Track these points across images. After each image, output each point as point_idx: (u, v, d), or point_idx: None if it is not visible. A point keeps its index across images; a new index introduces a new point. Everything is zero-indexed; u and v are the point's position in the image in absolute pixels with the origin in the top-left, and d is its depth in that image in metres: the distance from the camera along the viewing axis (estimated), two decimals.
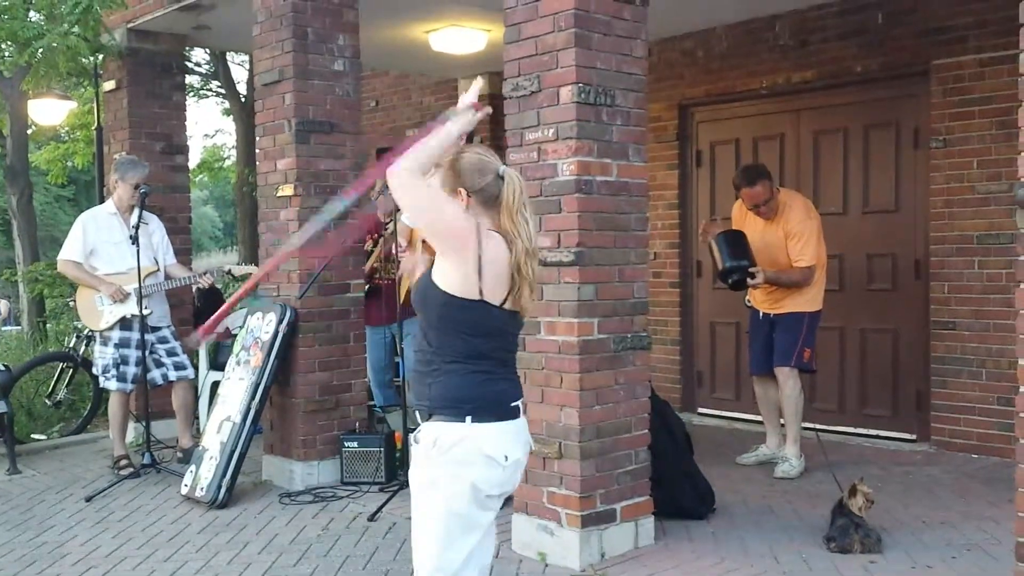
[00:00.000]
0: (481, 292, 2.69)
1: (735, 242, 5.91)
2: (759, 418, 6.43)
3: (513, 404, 2.81)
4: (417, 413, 2.85)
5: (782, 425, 6.06)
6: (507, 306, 2.74)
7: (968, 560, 4.31)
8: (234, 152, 17.92)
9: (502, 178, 2.73)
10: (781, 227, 5.86)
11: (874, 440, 6.69)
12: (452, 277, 2.69)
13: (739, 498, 5.37)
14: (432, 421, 2.77)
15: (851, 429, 6.85)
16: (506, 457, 2.74)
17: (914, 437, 6.58)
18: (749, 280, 5.79)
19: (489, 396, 2.76)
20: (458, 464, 2.72)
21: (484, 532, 2.80)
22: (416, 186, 2.66)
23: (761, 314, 6.07)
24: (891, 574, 4.14)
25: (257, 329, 5.91)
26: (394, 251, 5.69)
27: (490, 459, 2.72)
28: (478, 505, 2.75)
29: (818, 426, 6.03)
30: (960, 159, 6.23)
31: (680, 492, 4.95)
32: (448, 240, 2.68)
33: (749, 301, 6.18)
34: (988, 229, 6.11)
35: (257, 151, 6.40)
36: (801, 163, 7.13)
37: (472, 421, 2.72)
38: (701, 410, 7.80)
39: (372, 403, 6.66)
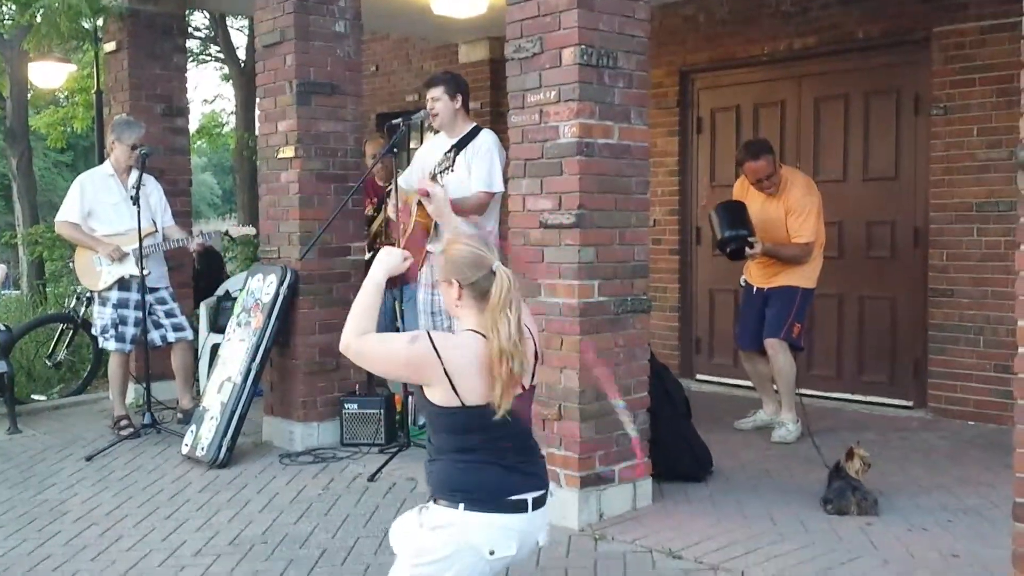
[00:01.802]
0: (460, 399, 2.72)
1: (734, 212, 5.92)
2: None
3: (514, 497, 2.78)
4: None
5: (777, 391, 6.09)
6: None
7: (964, 523, 4.35)
8: (233, 118, 17.86)
9: (494, 273, 2.74)
10: (782, 203, 5.86)
11: (871, 407, 6.73)
12: (434, 393, 2.73)
13: (736, 462, 5.40)
14: (431, 502, 2.83)
15: (848, 396, 6.89)
16: (492, 552, 2.76)
17: (911, 404, 6.62)
18: (747, 250, 5.80)
19: (482, 485, 2.77)
20: (443, 545, 2.76)
21: None
22: (364, 351, 2.79)
23: (755, 289, 6.07)
24: (887, 536, 4.17)
25: (258, 291, 5.92)
26: (394, 216, 5.69)
27: (474, 550, 2.75)
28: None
29: (814, 392, 6.06)
30: (960, 126, 6.22)
31: (678, 455, 4.98)
32: (414, 373, 2.74)
33: (744, 280, 6.19)
34: (988, 197, 6.11)
35: (258, 113, 6.39)
36: (802, 130, 7.12)
37: (465, 509, 2.75)
38: (699, 377, 7.83)
39: None
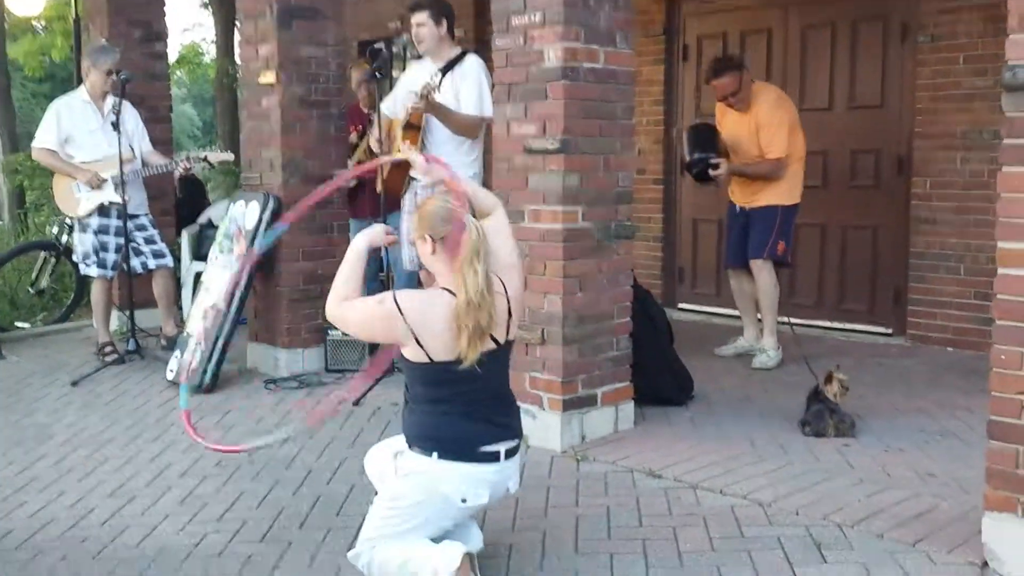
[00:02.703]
0: (429, 356, 2.83)
1: (701, 135, 5.97)
2: (738, 313, 6.50)
3: (485, 449, 2.89)
4: None
5: (759, 318, 6.14)
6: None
7: (940, 445, 4.43)
8: (212, 48, 17.59)
9: (464, 227, 2.82)
10: (752, 119, 5.85)
11: (851, 334, 6.80)
12: (407, 351, 2.87)
13: (717, 387, 5.46)
14: (407, 451, 2.98)
15: (829, 324, 6.95)
16: (464, 500, 2.88)
17: (891, 331, 6.69)
18: (711, 171, 5.81)
19: (455, 436, 2.88)
20: (415, 489, 2.90)
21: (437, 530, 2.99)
22: (345, 317, 2.94)
23: (738, 208, 6.10)
24: (864, 456, 4.25)
25: (240, 217, 5.89)
26: (376, 144, 5.65)
27: (445, 498, 2.87)
28: (426, 524, 2.93)
29: (795, 320, 6.11)
30: (947, 54, 6.20)
31: (660, 379, 5.03)
32: (386, 334, 2.88)
33: (730, 199, 6.21)
34: (972, 125, 6.11)
35: (238, 37, 6.30)
36: (788, 58, 7.07)
37: (438, 457, 2.87)
38: (681, 306, 7.87)
39: None
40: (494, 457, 2.92)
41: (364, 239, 3.05)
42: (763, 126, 5.80)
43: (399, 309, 2.81)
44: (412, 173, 5.57)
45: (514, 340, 3.03)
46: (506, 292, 2.94)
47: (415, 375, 2.95)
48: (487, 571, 3.16)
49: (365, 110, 6.63)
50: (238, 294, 5.68)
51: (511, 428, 3.01)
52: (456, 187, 3.04)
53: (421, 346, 2.82)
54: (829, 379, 4.62)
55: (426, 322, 2.81)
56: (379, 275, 6.91)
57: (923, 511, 3.61)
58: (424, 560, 2.90)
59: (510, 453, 2.96)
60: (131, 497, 4.00)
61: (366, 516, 3.09)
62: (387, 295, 2.87)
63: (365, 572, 3.02)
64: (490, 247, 2.88)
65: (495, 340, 2.89)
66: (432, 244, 2.88)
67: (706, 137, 5.92)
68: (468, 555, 2.93)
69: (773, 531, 3.48)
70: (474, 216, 2.95)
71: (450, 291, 2.84)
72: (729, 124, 5.97)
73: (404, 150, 5.15)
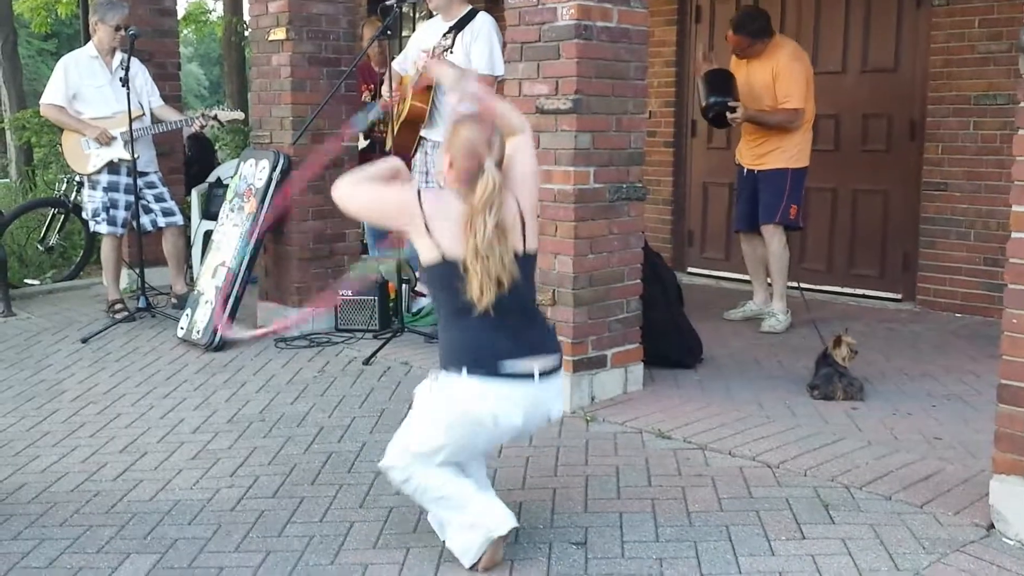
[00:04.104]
0: (440, 250, 2.82)
1: (719, 79, 5.92)
2: (747, 277, 6.50)
3: (515, 365, 2.84)
4: None
5: (769, 283, 6.13)
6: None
7: (948, 409, 4.44)
8: (219, 6, 17.47)
9: (483, 172, 2.81)
10: (769, 68, 5.81)
11: (860, 299, 6.79)
12: (420, 249, 2.87)
13: (726, 351, 5.47)
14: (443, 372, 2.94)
15: (838, 288, 6.94)
16: (495, 420, 2.83)
17: (900, 297, 6.68)
18: (728, 114, 5.79)
19: (481, 348, 2.84)
20: (447, 408, 2.88)
21: (471, 451, 3.01)
22: (352, 193, 2.96)
23: (746, 171, 6.08)
24: (871, 420, 4.26)
25: (250, 176, 5.88)
26: (388, 102, 5.62)
27: (478, 420, 2.84)
28: (457, 447, 2.91)
29: (805, 285, 6.11)
30: (962, 17, 6.14)
31: (669, 342, 5.03)
32: (398, 219, 2.91)
33: (737, 160, 6.18)
34: (986, 89, 6.07)
35: None
36: (802, 20, 7.00)
37: (468, 374, 2.84)
38: (691, 269, 7.86)
39: (365, 255, 6.69)
40: (527, 377, 2.86)
41: (397, 163, 3.10)
42: (781, 76, 5.75)
43: (418, 197, 2.85)
44: (423, 132, 5.56)
45: (535, 253, 2.99)
46: (519, 208, 2.93)
47: (434, 281, 2.94)
48: None
49: (377, 69, 6.59)
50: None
51: (544, 344, 2.96)
52: (487, 104, 3.08)
53: (432, 237, 2.83)
54: (838, 343, 4.62)
55: (437, 213, 2.84)
56: (390, 233, 6.91)
57: (930, 474, 3.63)
58: (473, 513, 2.91)
59: (546, 374, 2.90)
60: (143, 452, 4.03)
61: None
62: (409, 185, 2.98)
63: (398, 486, 3.05)
64: (509, 165, 2.93)
65: (514, 253, 2.88)
66: (450, 163, 2.92)
67: (723, 81, 5.89)
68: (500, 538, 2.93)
69: (781, 492, 3.50)
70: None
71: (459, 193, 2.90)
72: (744, 74, 5.93)
73: (430, 64, 5.04)
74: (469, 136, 2.90)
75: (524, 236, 2.92)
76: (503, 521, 2.91)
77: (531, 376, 2.86)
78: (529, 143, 3.11)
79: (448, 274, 2.85)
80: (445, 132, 2.98)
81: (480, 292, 2.79)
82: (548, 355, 2.93)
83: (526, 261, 2.94)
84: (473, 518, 2.92)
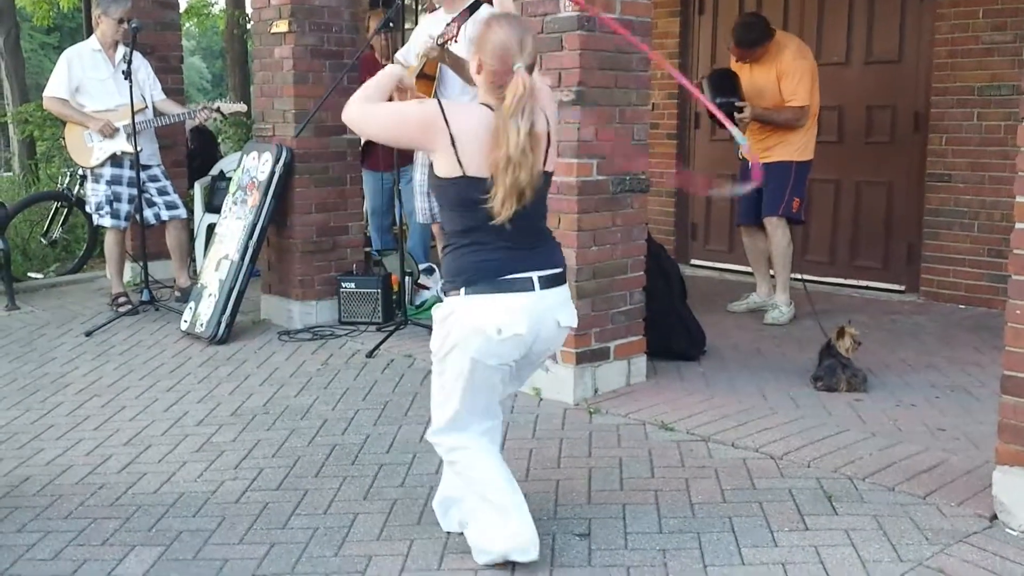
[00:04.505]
0: (463, 168, 2.73)
1: (723, 80, 5.93)
2: (750, 270, 6.49)
3: (515, 276, 2.78)
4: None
5: (772, 274, 6.13)
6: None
7: (951, 400, 4.44)
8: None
9: (513, 75, 2.69)
10: (773, 68, 5.80)
11: (864, 291, 6.79)
12: (439, 162, 2.76)
13: (729, 343, 5.47)
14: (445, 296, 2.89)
15: (842, 280, 6.94)
16: (499, 331, 2.75)
17: (903, 288, 6.68)
18: (736, 114, 5.78)
19: (480, 266, 2.78)
20: (451, 333, 2.81)
21: (491, 390, 2.91)
22: (367, 112, 2.88)
23: (750, 164, 6.06)
24: (875, 411, 4.26)
25: (253, 169, 5.88)
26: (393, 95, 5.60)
27: (479, 331, 2.75)
28: (478, 372, 2.82)
29: (807, 276, 6.10)
30: (966, 8, 6.12)
31: (672, 334, 5.04)
32: (422, 136, 2.78)
33: (741, 154, 6.17)
34: (990, 80, 6.05)
35: None
36: (805, 11, 6.99)
37: (466, 293, 2.78)
38: (694, 262, 7.86)
39: (368, 248, 6.70)
40: (528, 285, 2.79)
41: (398, 69, 3.07)
42: (785, 75, 5.75)
43: (442, 111, 2.74)
44: None
45: (553, 172, 2.91)
46: (548, 119, 2.83)
47: (448, 196, 2.82)
48: None
49: (382, 60, 6.58)
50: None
51: (547, 256, 2.88)
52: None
53: (456, 154, 2.71)
54: (841, 334, 4.62)
55: (464, 130, 2.72)
56: (392, 228, 6.93)
57: (934, 465, 3.63)
58: (507, 526, 2.86)
59: (547, 281, 2.82)
60: (148, 445, 4.04)
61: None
62: (431, 100, 2.87)
63: (445, 460, 3.04)
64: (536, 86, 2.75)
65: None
66: (479, 66, 2.78)
67: (727, 82, 5.89)
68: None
69: (785, 483, 3.50)
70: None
71: (488, 107, 2.77)
72: (748, 73, 5.93)
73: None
74: (500, 36, 2.72)
75: (546, 155, 2.81)
76: (528, 550, 2.86)
77: (531, 286, 2.79)
78: None
79: (465, 190, 2.75)
80: (477, 31, 2.82)
81: (502, 204, 2.68)
82: (551, 268, 2.86)
83: (544, 180, 2.85)
84: (505, 530, 2.86)
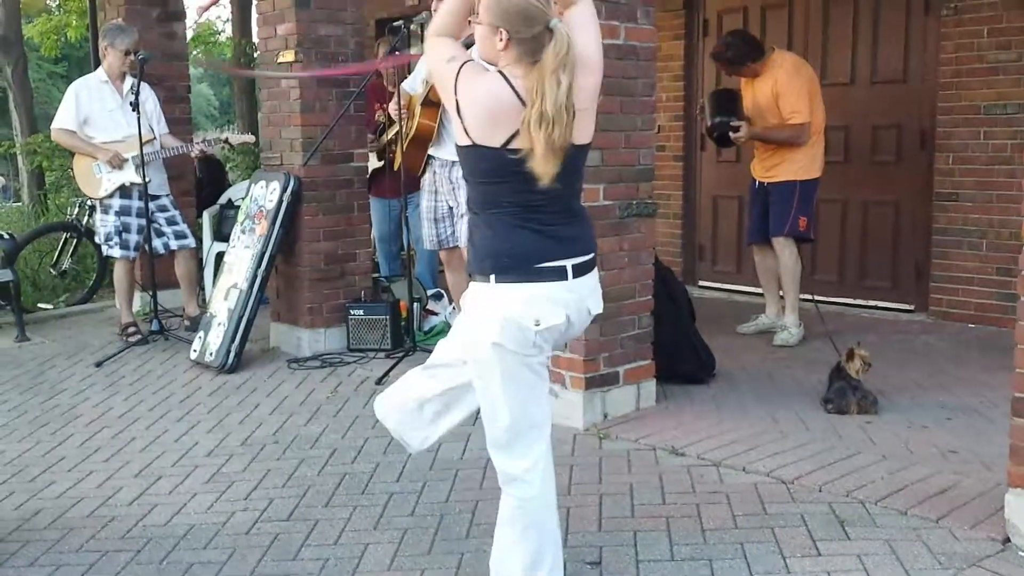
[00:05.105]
0: (469, 135, 2.57)
1: (722, 99, 5.98)
2: (759, 290, 6.50)
3: (547, 265, 2.59)
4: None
5: (781, 295, 6.12)
6: (516, 146, 2.53)
7: (962, 421, 4.42)
8: (228, 27, 17.58)
9: (551, 31, 2.48)
10: (770, 86, 5.82)
11: (873, 311, 6.77)
12: (456, 125, 2.63)
13: (739, 365, 5.46)
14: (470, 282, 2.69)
15: (850, 300, 6.92)
16: (537, 323, 2.57)
17: (912, 308, 6.66)
18: (731, 134, 5.81)
19: (513, 251, 2.59)
20: (480, 324, 2.62)
21: (532, 383, 2.69)
22: (429, 48, 2.70)
23: (757, 183, 6.09)
24: (886, 433, 4.24)
25: (261, 198, 5.91)
26: (398, 120, 5.64)
27: (516, 323, 2.57)
28: (511, 362, 2.62)
29: (817, 297, 6.10)
30: (971, 27, 6.14)
31: (681, 357, 5.03)
32: (439, 87, 2.68)
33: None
34: (996, 99, 6.06)
35: (255, 16, 6.30)
36: (810, 32, 7.01)
37: (496, 281, 2.60)
38: (702, 283, 7.86)
39: (376, 274, 6.71)
40: (562, 274, 2.61)
41: None
42: (783, 94, 5.77)
43: (456, 79, 2.56)
44: (431, 151, 5.57)
45: (589, 144, 2.69)
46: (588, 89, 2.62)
47: (467, 164, 2.66)
48: None
49: (389, 88, 6.61)
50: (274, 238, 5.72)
51: (580, 242, 2.68)
52: None
53: (463, 121, 2.57)
54: (851, 356, 4.61)
55: (471, 101, 2.55)
56: (400, 254, 6.94)
57: (946, 488, 3.61)
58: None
59: (579, 270, 2.64)
60: (158, 476, 4.05)
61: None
62: (459, 58, 2.59)
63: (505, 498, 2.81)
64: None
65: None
66: (506, 41, 2.55)
67: (727, 101, 5.93)
68: None
69: (796, 508, 3.49)
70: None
71: (504, 76, 2.56)
72: (751, 93, 5.95)
73: None
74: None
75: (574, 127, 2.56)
76: None
77: (565, 275, 2.62)
78: (590, 15, 2.66)
79: (480, 160, 2.60)
80: (482, 5, 2.60)
81: (544, 164, 2.47)
82: (584, 255, 2.68)
83: (579, 151, 2.65)
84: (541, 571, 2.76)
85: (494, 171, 2.60)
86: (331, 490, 3.82)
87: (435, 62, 2.68)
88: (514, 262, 2.60)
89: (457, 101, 2.58)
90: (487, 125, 2.56)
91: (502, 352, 2.61)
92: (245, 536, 3.44)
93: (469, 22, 2.71)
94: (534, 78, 2.48)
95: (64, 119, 6.25)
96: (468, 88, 2.57)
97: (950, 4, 6.19)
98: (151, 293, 6.36)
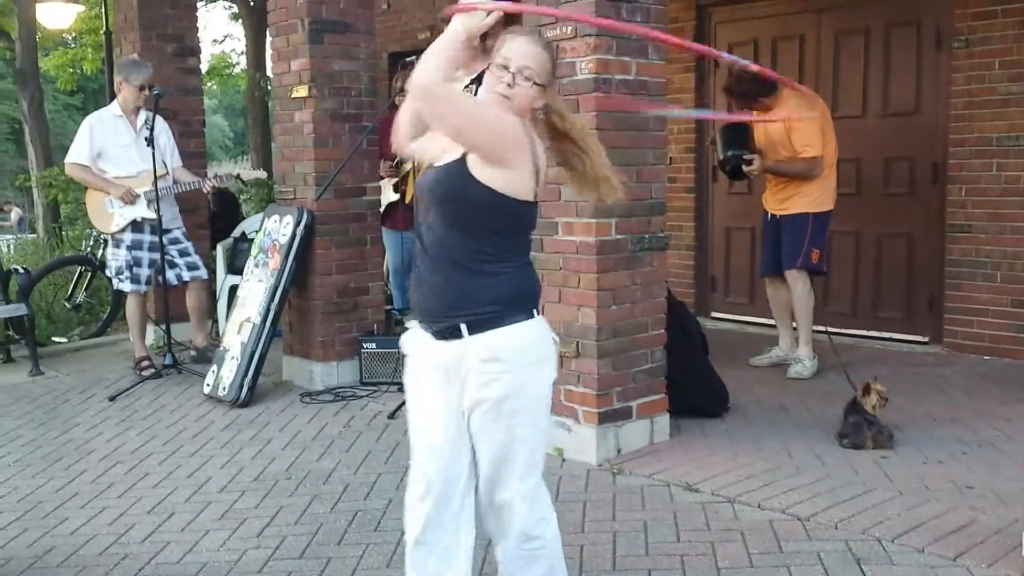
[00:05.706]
0: (536, 195, 2.57)
1: (735, 133, 5.97)
2: (772, 322, 6.48)
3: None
4: (428, 324, 2.64)
5: (794, 327, 6.10)
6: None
7: (978, 456, 4.38)
8: (243, 59, 17.74)
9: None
10: (783, 121, 5.83)
11: (887, 343, 6.74)
12: (503, 178, 2.47)
13: (753, 398, 5.44)
14: (493, 329, 2.53)
15: (864, 332, 6.89)
16: (556, 340, 2.69)
17: (927, 340, 6.63)
18: (744, 167, 5.82)
19: (536, 288, 2.69)
20: (541, 362, 2.61)
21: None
22: (446, 97, 2.42)
23: (770, 216, 6.09)
24: (902, 468, 4.21)
25: (275, 232, 5.94)
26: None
27: (554, 343, 2.66)
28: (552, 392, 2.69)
29: (830, 329, 6.07)
30: (982, 59, 6.14)
31: (695, 391, 5.01)
32: (495, 148, 2.45)
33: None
34: (1008, 131, 6.06)
35: (269, 52, 6.36)
36: (821, 65, 7.04)
37: (539, 314, 2.65)
38: (715, 314, 7.84)
39: (389, 307, 6.72)
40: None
41: (462, 23, 2.50)
42: (794, 128, 5.78)
43: (529, 135, 2.52)
44: None
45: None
46: None
47: (509, 220, 2.56)
48: None
49: None
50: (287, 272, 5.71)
51: None
52: None
53: (537, 179, 2.54)
54: (867, 391, 4.58)
55: (540, 155, 2.55)
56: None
57: (963, 524, 3.57)
58: None
59: None
60: (171, 513, 4.04)
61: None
62: (504, 112, 2.52)
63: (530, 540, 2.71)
64: None
65: None
66: (539, 95, 2.57)
67: (739, 134, 5.93)
68: None
69: (812, 546, 3.46)
70: None
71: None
72: (761, 126, 5.96)
73: None
74: (524, 40, 2.61)
75: None
76: None
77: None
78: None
79: (529, 216, 2.61)
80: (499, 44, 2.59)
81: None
82: None
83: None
84: None
85: (532, 226, 2.68)
86: (343, 528, 3.81)
87: (487, 115, 2.50)
88: (536, 297, 2.68)
89: (536, 155, 2.52)
90: (525, 171, 2.53)
91: (552, 385, 2.67)
92: (258, 575, 3.42)
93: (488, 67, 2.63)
94: (575, 137, 2.62)
95: (78, 154, 6.30)
96: (538, 144, 2.55)
97: (961, 37, 6.20)
98: (164, 326, 6.37)
